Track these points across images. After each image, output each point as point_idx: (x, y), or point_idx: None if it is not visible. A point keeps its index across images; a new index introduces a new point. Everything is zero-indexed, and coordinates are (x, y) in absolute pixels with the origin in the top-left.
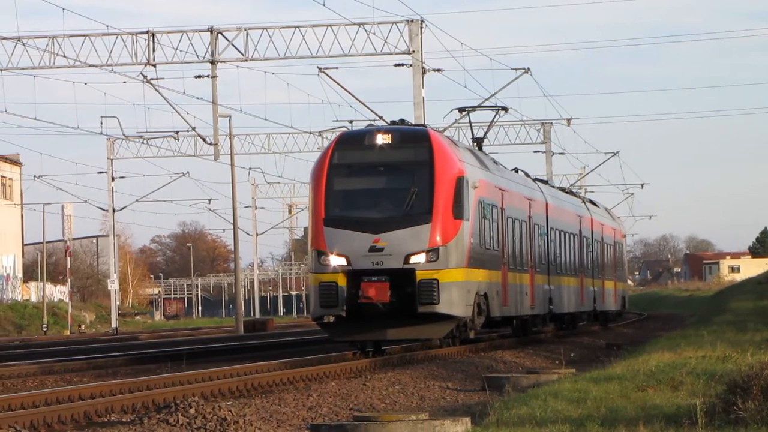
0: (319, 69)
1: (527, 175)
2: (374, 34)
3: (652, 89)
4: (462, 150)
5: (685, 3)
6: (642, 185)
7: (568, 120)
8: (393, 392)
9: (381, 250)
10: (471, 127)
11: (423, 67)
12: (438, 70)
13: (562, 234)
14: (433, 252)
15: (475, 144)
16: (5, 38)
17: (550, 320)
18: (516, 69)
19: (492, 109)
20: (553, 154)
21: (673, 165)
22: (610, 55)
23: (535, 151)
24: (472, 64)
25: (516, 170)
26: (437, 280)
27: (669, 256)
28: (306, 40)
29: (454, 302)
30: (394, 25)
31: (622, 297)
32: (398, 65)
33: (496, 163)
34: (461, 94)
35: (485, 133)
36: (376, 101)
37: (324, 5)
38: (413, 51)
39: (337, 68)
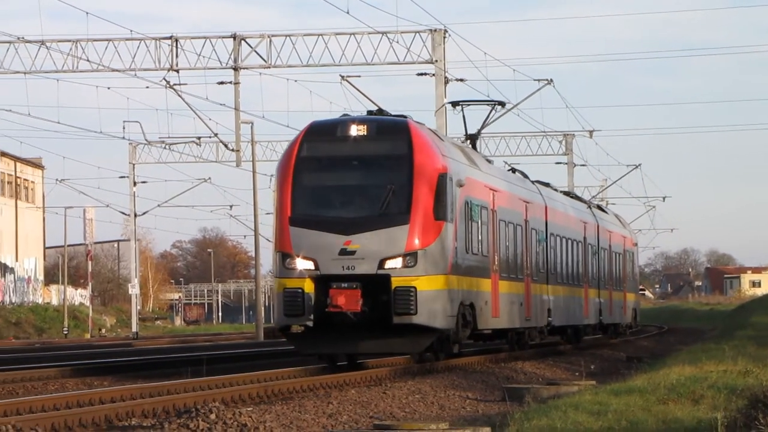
0: (342, 77)
1: (525, 176)
2: (397, 42)
3: (675, 102)
4: (447, 144)
5: (709, 17)
6: (664, 198)
7: (591, 132)
8: (413, 401)
9: (353, 253)
10: (465, 123)
11: (446, 77)
12: (461, 80)
13: (564, 240)
14: (410, 256)
15: (468, 141)
16: (29, 41)
17: (550, 333)
18: (539, 80)
19: (488, 104)
20: (575, 165)
21: (695, 178)
22: (633, 67)
23: (557, 163)
24: (495, 74)
25: (513, 170)
26: (415, 287)
27: (690, 270)
28: (329, 47)
29: (433, 313)
30: (418, 34)
31: (633, 309)
32: (421, 74)
33: (488, 161)
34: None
35: (479, 130)
36: (398, 110)
37: (348, 13)
38: (436, 60)
39: (359, 76)
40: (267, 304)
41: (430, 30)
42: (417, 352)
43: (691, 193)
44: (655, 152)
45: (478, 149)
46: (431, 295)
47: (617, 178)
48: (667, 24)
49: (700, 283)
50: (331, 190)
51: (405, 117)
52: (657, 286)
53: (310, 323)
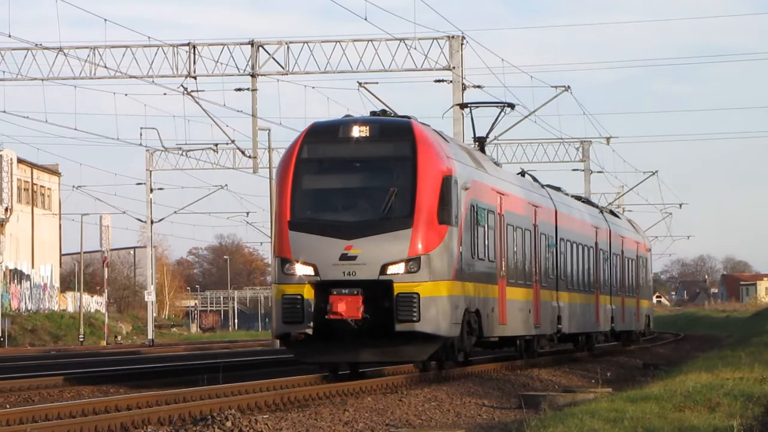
0: (359, 83)
1: (535, 180)
2: (415, 49)
3: (692, 109)
4: (452, 146)
5: (727, 23)
6: (680, 205)
7: (608, 139)
8: (429, 408)
9: (354, 258)
10: (473, 124)
11: (463, 84)
12: (478, 86)
13: (575, 246)
14: (413, 261)
15: (476, 144)
16: (47, 48)
17: (560, 340)
18: (556, 87)
19: (497, 105)
20: (592, 172)
21: (711, 185)
22: (650, 74)
23: (574, 170)
24: (513, 81)
25: (523, 174)
26: (418, 294)
27: (706, 277)
28: (346, 54)
29: (437, 320)
30: (435, 40)
31: (646, 316)
32: (438, 81)
33: (496, 164)
34: None
35: (488, 132)
36: (418, 117)
37: (365, 20)
38: (454, 67)
39: (377, 83)
40: None
41: (448, 37)
42: (420, 361)
43: (708, 200)
44: (672, 159)
45: (488, 152)
46: (435, 301)
47: (634, 185)
48: (686, 31)
49: (717, 290)
50: (332, 193)
51: (409, 118)
52: (673, 293)
53: (309, 331)
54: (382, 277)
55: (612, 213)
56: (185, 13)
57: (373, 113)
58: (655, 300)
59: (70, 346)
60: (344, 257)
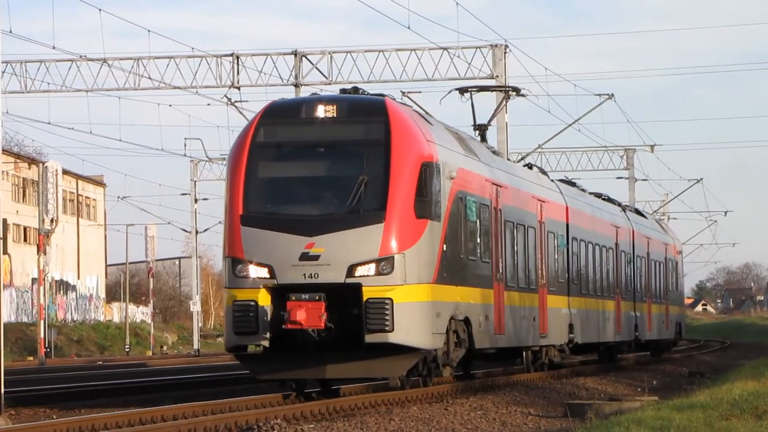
0: (403, 93)
1: (543, 172)
2: (458, 57)
3: (737, 116)
4: (436, 129)
5: None
6: (725, 213)
7: (652, 146)
8: (475, 417)
9: (316, 258)
10: (473, 111)
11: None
12: (522, 95)
13: (591, 246)
14: (386, 262)
15: (477, 132)
16: (91, 60)
17: (573, 351)
18: (600, 95)
19: (501, 90)
20: (636, 180)
21: (757, 192)
22: (695, 81)
23: (618, 178)
24: (556, 89)
25: (530, 166)
26: (391, 299)
27: (752, 284)
28: (390, 63)
29: (414, 330)
30: (478, 49)
31: (676, 323)
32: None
33: (495, 153)
34: (545, 119)
35: (490, 119)
36: (459, 125)
37: (409, 28)
38: (497, 75)
39: (420, 92)
40: None
41: (491, 45)
42: (398, 376)
43: (753, 207)
44: (717, 166)
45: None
46: (411, 308)
47: (678, 192)
48: (731, 37)
49: (762, 298)
50: (292, 183)
51: (382, 96)
52: (719, 300)
53: (266, 343)
54: (349, 280)
55: (637, 212)
56: (229, 24)
57: (343, 91)
58: (700, 308)
59: (116, 357)
60: (305, 257)
